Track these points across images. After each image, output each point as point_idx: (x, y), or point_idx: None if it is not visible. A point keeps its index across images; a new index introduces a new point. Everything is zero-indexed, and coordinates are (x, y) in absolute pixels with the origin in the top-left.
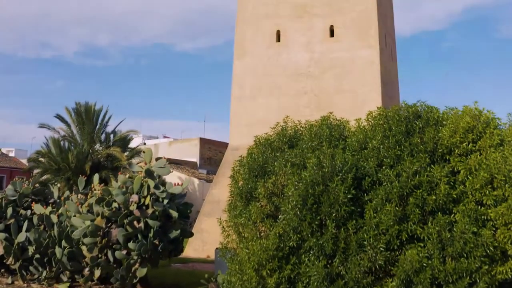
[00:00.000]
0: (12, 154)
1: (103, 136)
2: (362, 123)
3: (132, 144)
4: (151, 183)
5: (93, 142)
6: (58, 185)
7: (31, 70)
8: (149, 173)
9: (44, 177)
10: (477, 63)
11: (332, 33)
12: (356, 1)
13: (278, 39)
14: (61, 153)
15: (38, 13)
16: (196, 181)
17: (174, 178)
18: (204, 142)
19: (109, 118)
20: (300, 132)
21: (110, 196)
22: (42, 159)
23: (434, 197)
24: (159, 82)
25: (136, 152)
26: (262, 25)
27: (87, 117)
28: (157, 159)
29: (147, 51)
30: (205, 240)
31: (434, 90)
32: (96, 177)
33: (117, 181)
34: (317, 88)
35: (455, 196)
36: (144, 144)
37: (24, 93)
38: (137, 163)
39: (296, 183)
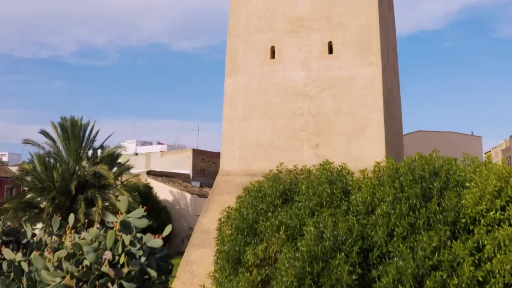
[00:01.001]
0: (5, 159)
1: (90, 152)
2: (367, 174)
3: (128, 150)
4: (126, 239)
5: (80, 158)
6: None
7: (28, 70)
8: (124, 225)
9: (29, 195)
10: (475, 63)
11: (330, 50)
12: (357, 15)
13: (273, 56)
14: (46, 170)
15: (35, 13)
16: (188, 195)
17: (165, 192)
18: (197, 153)
19: (96, 133)
20: (297, 181)
21: (80, 252)
22: (27, 178)
23: (456, 281)
24: (156, 82)
25: (124, 169)
26: (255, 40)
27: (73, 133)
28: (149, 172)
29: (144, 51)
30: (194, 273)
31: (432, 90)
32: (71, 218)
33: (103, 201)
34: (314, 109)
35: (480, 278)
36: (136, 154)
37: (21, 93)
38: (124, 181)
39: (291, 257)
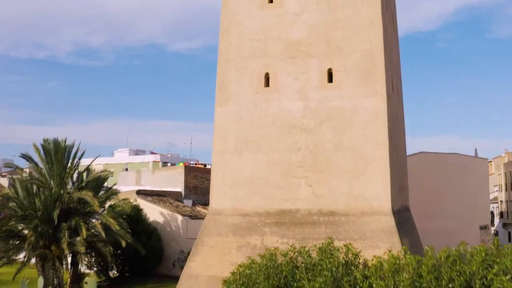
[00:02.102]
0: None
1: (75, 174)
2: (381, 260)
3: (118, 161)
4: None
5: (64, 183)
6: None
7: (25, 71)
8: None
9: (12, 223)
10: (470, 63)
11: (330, 78)
12: (359, 39)
13: (267, 84)
14: (28, 196)
15: (31, 13)
16: (179, 217)
17: (156, 213)
18: (189, 170)
19: (82, 154)
20: (295, 268)
21: None
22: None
23: None
24: (152, 82)
25: (111, 194)
26: (248, 66)
27: (56, 156)
28: (138, 192)
29: (141, 51)
30: None
31: (428, 90)
32: (40, 283)
33: (88, 230)
34: (312, 143)
35: None
36: (126, 169)
37: (18, 93)
38: (112, 203)
39: None
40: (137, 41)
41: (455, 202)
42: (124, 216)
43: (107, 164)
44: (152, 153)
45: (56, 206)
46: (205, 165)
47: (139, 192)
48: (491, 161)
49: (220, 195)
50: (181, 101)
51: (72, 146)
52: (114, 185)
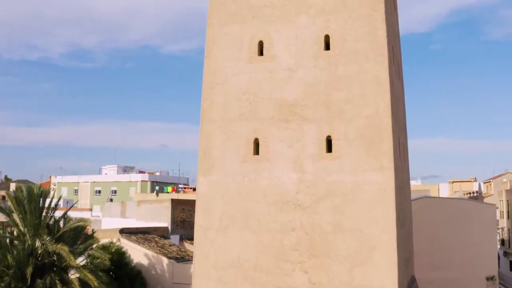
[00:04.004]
0: None
1: (52, 221)
2: None
3: (105, 179)
4: None
5: (39, 234)
6: None
7: (17, 72)
8: None
9: None
10: (465, 64)
11: (329, 147)
12: (363, 102)
13: (257, 151)
14: (0, 248)
15: (24, 15)
16: (165, 260)
17: (140, 255)
18: (176, 203)
19: (58, 200)
20: None
21: None
22: None
23: None
24: (146, 84)
25: (89, 245)
26: (235, 130)
27: (30, 205)
28: (122, 230)
29: (134, 53)
30: None
31: (423, 92)
32: None
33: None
34: (308, 223)
35: None
36: (111, 200)
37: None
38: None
39: None
40: (130, 43)
41: (460, 250)
42: (103, 269)
43: (94, 182)
44: (140, 172)
45: (29, 262)
46: (194, 189)
47: (123, 231)
48: (490, 182)
49: (203, 278)
50: (175, 103)
51: (47, 192)
52: (94, 233)
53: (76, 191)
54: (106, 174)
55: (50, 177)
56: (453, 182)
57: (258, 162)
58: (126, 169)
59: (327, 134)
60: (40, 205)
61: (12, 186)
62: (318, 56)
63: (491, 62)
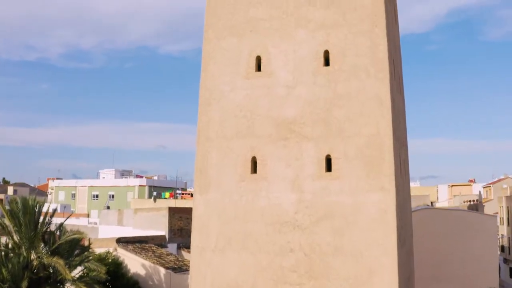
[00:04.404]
0: None
1: (48, 233)
2: None
3: (103, 183)
4: None
5: (34, 247)
6: None
7: (15, 73)
8: None
9: None
10: (462, 65)
11: (329, 166)
12: (364, 121)
13: (254, 170)
14: None
15: (22, 16)
16: (162, 270)
17: (137, 265)
18: (173, 212)
19: (54, 211)
20: None
21: None
22: None
23: None
24: (143, 84)
25: (85, 258)
26: (232, 148)
27: (24, 217)
28: (119, 240)
29: (132, 54)
30: None
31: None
32: None
33: None
34: (307, 244)
35: None
36: (108, 208)
37: (8, 95)
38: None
39: None
40: (128, 44)
41: (461, 262)
42: (100, 281)
43: (92, 186)
44: (138, 176)
45: (25, 276)
46: (192, 195)
47: (120, 241)
48: (490, 186)
49: None
50: (173, 103)
51: (42, 204)
52: (90, 243)
53: (73, 196)
54: (104, 178)
55: (48, 179)
56: (452, 186)
57: (255, 181)
58: (123, 173)
59: (327, 153)
60: (35, 217)
61: (10, 190)
62: (317, 72)
63: (489, 63)
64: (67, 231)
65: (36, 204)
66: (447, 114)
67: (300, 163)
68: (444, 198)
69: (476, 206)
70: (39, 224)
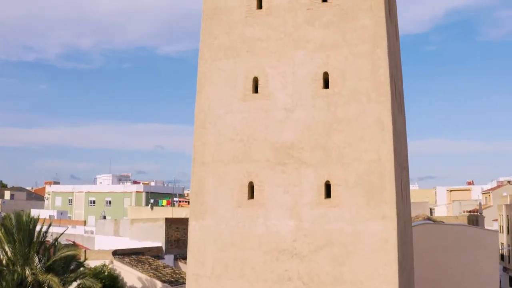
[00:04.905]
0: None
1: (42, 248)
2: None
3: (100, 189)
4: None
5: (28, 264)
6: None
7: (14, 73)
8: None
9: None
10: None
11: (328, 192)
12: (365, 146)
13: (251, 195)
14: None
15: (20, 16)
16: (159, 284)
17: (133, 278)
18: (170, 222)
19: (48, 227)
20: None
21: None
22: None
23: None
24: (142, 85)
25: (80, 274)
26: (228, 173)
27: (19, 234)
28: (115, 252)
29: (130, 54)
30: None
31: (420, 91)
32: None
33: None
34: (306, 273)
35: None
36: (104, 218)
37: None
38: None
39: None
40: (126, 44)
41: (462, 277)
42: None
43: (89, 192)
44: (135, 182)
45: None
46: (189, 202)
47: (116, 253)
48: (489, 193)
49: None
50: (171, 104)
51: (37, 220)
52: (84, 261)
53: (70, 201)
54: (101, 183)
55: (45, 183)
56: (451, 190)
57: (253, 207)
58: (121, 178)
59: (326, 179)
60: (30, 233)
61: (7, 194)
62: (316, 95)
63: (486, 63)
64: (63, 246)
65: (30, 220)
66: (446, 115)
67: (298, 189)
68: (442, 201)
69: (476, 217)
70: (34, 240)
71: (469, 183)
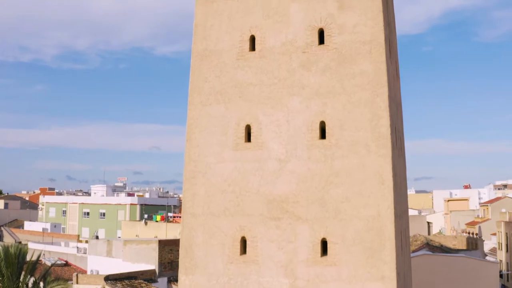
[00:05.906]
0: None
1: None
2: None
3: (94, 201)
4: None
5: None
6: None
7: (9, 74)
8: None
9: None
10: (457, 66)
11: (324, 249)
12: (363, 201)
13: (244, 251)
14: None
15: (16, 17)
16: None
17: None
18: (163, 244)
19: (38, 257)
20: None
21: None
22: None
23: None
24: (138, 86)
25: None
26: (219, 227)
27: (7, 268)
28: (107, 278)
29: (127, 55)
30: None
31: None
32: None
33: None
34: None
35: None
36: (97, 238)
37: (2, 97)
38: None
39: None
40: (123, 45)
41: None
42: None
43: (83, 203)
44: (129, 194)
45: None
46: None
47: (108, 278)
48: (487, 206)
49: None
50: (167, 105)
51: (25, 251)
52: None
53: (64, 212)
54: (95, 193)
55: (40, 189)
56: (448, 200)
57: (245, 263)
58: (115, 189)
59: (322, 236)
60: (18, 266)
61: (1, 203)
62: (312, 145)
63: (482, 64)
64: (53, 280)
65: (19, 252)
66: (442, 115)
67: (293, 246)
68: (439, 208)
69: (475, 241)
70: (23, 273)
71: (466, 187)
